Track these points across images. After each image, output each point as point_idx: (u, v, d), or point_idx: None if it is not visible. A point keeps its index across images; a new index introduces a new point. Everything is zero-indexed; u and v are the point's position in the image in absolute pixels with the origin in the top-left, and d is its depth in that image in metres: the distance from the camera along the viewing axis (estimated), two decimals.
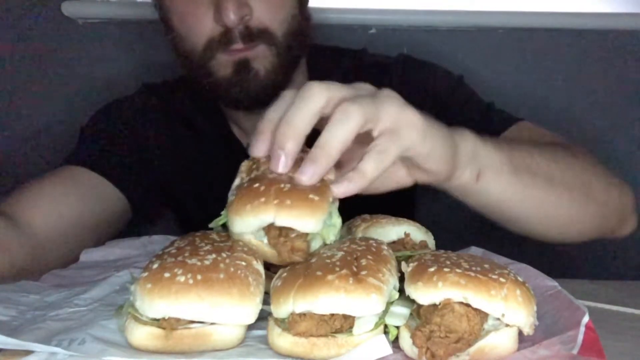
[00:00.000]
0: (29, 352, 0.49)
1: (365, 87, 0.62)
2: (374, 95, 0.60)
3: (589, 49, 1.50)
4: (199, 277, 0.51)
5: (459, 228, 1.12)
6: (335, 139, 0.56)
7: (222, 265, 0.53)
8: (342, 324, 0.51)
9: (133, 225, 1.07)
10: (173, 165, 1.11)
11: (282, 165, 0.56)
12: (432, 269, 0.51)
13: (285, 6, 0.96)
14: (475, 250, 0.78)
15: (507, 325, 0.50)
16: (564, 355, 0.48)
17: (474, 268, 0.51)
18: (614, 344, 0.53)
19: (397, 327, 0.53)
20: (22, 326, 0.56)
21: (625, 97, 1.52)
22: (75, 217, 0.92)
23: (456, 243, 0.76)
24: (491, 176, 0.72)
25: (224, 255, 0.55)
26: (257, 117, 1.01)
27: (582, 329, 0.50)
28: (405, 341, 0.51)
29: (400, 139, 0.59)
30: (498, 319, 0.50)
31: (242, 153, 1.05)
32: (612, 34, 1.49)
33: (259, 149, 0.59)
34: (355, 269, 0.52)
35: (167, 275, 0.52)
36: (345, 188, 0.57)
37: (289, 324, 0.51)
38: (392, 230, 0.71)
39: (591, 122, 1.49)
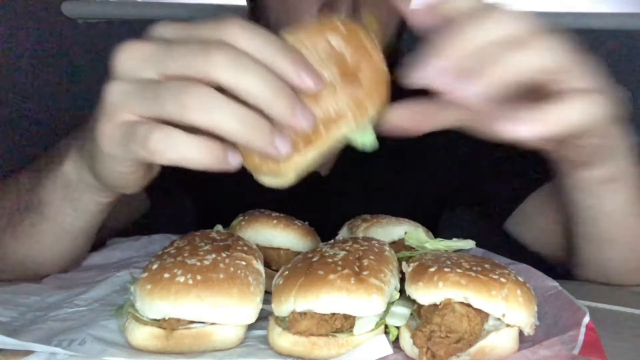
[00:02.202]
0: (29, 352, 0.49)
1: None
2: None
3: (589, 49, 1.51)
4: (198, 277, 0.51)
5: (459, 228, 1.12)
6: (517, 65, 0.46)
7: (221, 265, 0.53)
8: (343, 324, 0.51)
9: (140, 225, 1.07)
10: None
11: (466, 95, 0.46)
12: (432, 269, 0.51)
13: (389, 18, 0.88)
14: (475, 251, 0.78)
15: (507, 325, 0.50)
16: (565, 355, 0.48)
17: (474, 268, 0.51)
18: (614, 344, 0.53)
19: (398, 327, 0.53)
20: (23, 327, 0.56)
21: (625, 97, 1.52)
22: None
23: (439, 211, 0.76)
24: (619, 188, 0.67)
25: (223, 255, 0.55)
26: None
27: (583, 329, 0.50)
28: (406, 341, 0.51)
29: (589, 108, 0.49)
30: (499, 319, 0.50)
31: None
32: (612, 34, 1.50)
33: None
34: (357, 269, 0.52)
35: (166, 275, 0.52)
36: (524, 127, 0.47)
37: (289, 322, 0.51)
38: (392, 230, 0.71)
39: None
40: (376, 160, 1.03)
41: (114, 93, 0.49)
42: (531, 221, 0.90)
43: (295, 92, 0.48)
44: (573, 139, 0.57)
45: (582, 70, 0.52)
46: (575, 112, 0.49)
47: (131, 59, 0.49)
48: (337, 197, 1.03)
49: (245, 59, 0.46)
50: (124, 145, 0.50)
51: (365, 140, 0.53)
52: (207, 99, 0.46)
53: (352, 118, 0.51)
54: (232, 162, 0.49)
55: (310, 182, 1.02)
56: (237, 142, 0.48)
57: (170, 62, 0.48)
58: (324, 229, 0.76)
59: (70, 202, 0.67)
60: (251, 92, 0.46)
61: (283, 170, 0.51)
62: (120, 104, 0.49)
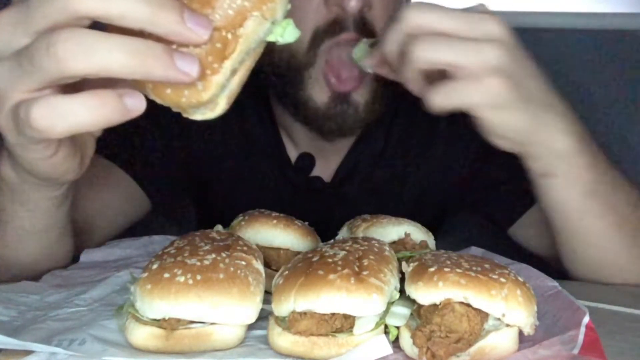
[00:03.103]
0: (29, 352, 0.49)
1: (473, 18, 0.62)
2: (476, 38, 0.61)
3: (589, 49, 1.51)
4: (198, 277, 0.51)
5: (459, 228, 1.12)
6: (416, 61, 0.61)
7: (221, 265, 0.53)
8: (343, 324, 0.51)
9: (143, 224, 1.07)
10: (209, 159, 1.06)
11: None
12: (432, 269, 0.51)
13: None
14: (475, 250, 0.78)
15: (507, 325, 0.50)
16: (565, 355, 0.48)
17: (474, 268, 0.51)
18: (614, 344, 0.53)
19: (398, 327, 0.53)
20: (23, 326, 0.56)
21: (625, 97, 1.52)
22: (96, 206, 0.91)
23: (456, 243, 0.76)
24: (559, 184, 0.71)
25: (223, 255, 0.55)
26: (316, 137, 0.96)
27: (583, 329, 0.50)
28: (406, 341, 0.51)
29: (482, 90, 0.61)
30: (498, 319, 0.50)
31: (287, 166, 1.03)
32: (612, 34, 1.50)
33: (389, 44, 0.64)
34: (357, 269, 0.52)
35: (166, 275, 0.52)
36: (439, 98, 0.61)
37: (289, 322, 0.51)
38: (392, 230, 0.71)
39: (590, 122, 1.49)
40: (378, 165, 1.03)
41: None
42: (540, 228, 0.90)
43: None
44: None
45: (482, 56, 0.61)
46: (469, 91, 0.61)
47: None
48: (339, 201, 1.02)
49: None
50: (18, 132, 0.45)
51: (285, 33, 0.48)
52: (80, 40, 0.40)
53: (256, 11, 0.45)
54: (133, 106, 0.43)
55: (313, 187, 1.03)
56: (136, 78, 0.43)
57: (33, 16, 0.42)
58: (326, 231, 0.76)
59: (20, 204, 0.64)
60: (128, 13, 0.40)
61: (206, 96, 0.44)
62: (5, 88, 0.44)
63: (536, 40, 1.50)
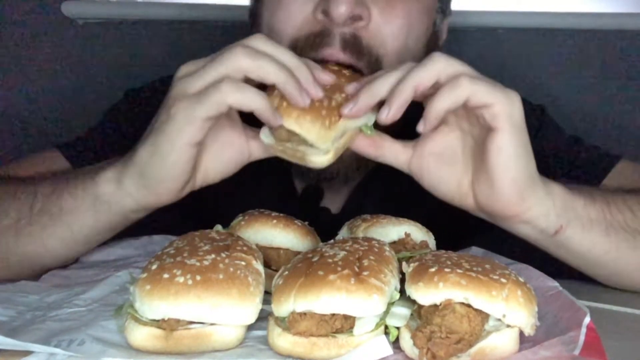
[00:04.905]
0: (28, 353, 0.49)
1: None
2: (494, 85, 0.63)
3: (589, 49, 1.50)
4: (198, 277, 0.51)
5: (459, 228, 1.11)
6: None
7: (221, 265, 0.53)
8: (343, 324, 0.51)
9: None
10: (216, 187, 1.04)
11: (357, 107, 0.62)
12: (433, 270, 0.51)
13: (412, 31, 0.81)
14: (476, 251, 0.78)
15: (508, 325, 0.50)
16: (566, 356, 0.48)
17: (475, 268, 0.51)
18: (614, 344, 0.53)
19: (398, 328, 0.53)
20: (22, 326, 0.56)
21: (625, 97, 1.52)
22: None
23: (457, 243, 0.76)
24: (574, 232, 0.68)
25: (223, 255, 0.54)
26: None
27: (584, 329, 0.50)
28: (406, 342, 0.51)
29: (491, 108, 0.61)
30: (499, 319, 0.50)
31: (293, 197, 1.00)
32: (612, 34, 1.49)
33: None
34: (357, 269, 0.52)
35: (166, 276, 0.52)
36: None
37: (289, 322, 0.51)
38: (392, 230, 0.71)
39: (591, 123, 1.50)
40: (388, 196, 1.00)
41: (176, 89, 0.64)
42: None
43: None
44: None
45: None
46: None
47: (184, 71, 0.64)
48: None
49: (261, 53, 0.62)
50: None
51: (372, 131, 0.67)
52: (237, 86, 0.61)
53: None
54: (279, 119, 0.62)
55: (320, 219, 1.00)
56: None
57: (210, 71, 0.62)
58: None
59: (94, 213, 0.71)
60: (270, 75, 0.61)
61: (332, 132, 0.63)
62: (191, 114, 0.62)
63: (536, 40, 1.51)
